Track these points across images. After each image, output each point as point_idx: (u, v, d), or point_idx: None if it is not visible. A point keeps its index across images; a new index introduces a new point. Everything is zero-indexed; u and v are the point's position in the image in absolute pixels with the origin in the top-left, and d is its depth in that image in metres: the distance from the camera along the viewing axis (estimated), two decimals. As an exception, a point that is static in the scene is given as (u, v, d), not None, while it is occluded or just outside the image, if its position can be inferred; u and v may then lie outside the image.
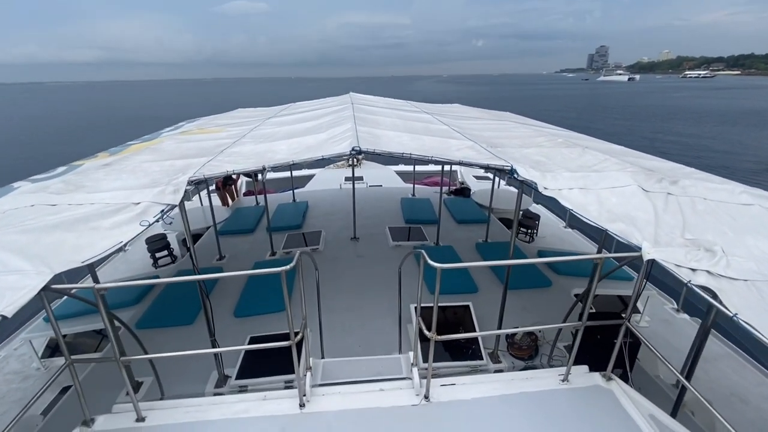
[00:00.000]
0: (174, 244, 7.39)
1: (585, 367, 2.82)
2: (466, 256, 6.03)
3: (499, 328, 3.87)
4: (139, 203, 2.78)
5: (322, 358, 3.67)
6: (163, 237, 7.39)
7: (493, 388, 2.63)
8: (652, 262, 2.28)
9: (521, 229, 8.56)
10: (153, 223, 2.69)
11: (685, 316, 5.23)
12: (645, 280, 2.47)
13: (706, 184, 3.33)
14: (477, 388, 2.64)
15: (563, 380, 2.70)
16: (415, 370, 2.62)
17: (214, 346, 3.54)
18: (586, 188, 3.08)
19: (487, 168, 3.30)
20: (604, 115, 42.16)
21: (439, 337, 2.33)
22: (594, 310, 4.23)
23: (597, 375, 2.76)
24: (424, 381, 2.56)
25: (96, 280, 3.59)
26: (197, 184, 3.09)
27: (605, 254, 2.27)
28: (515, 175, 3.14)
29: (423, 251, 2.36)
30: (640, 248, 2.33)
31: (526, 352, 4.08)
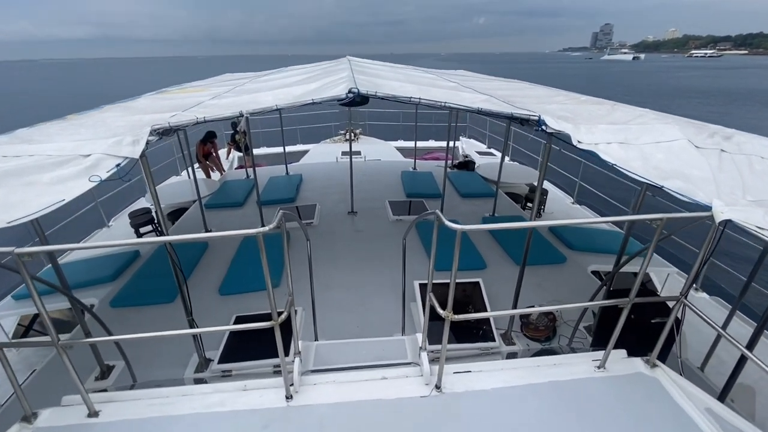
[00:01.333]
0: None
1: (622, 352, 2.40)
2: (472, 232, 5.58)
3: (515, 306, 3.46)
4: (89, 155, 2.28)
5: (316, 340, 3.26)
6: (147, 211, 6.95)
7: (517, 376, 2.21)
8: (726, 225, 1.82)
9: (528, 204, 8.11)
10: (107, 180, 2.21)
11: (704, 295, 4.86)
12: (713, 248, 2.01)
13: (761, 141, 2.85)
14: (497, 376, 2.22)
15: (599, 367, 2.28)
16: (424, 354, 2.20)
17: (191, 327, 3.11)
18: (626, 143, 2.59)
19: (510, 118, 2.80)
20: (609, 94, 40.90)
21: (456, 316, 1.89)
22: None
23: (638, 361, 2.34)
24: (435, 368, 2.14)
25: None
26: (162, 134, 2.58)
27: (670, 214, 1.81)
28: (543, 127, 2.64)
29: (438, 211, 1.89)
30: (710, 207, 1.86)
31: (543, 333, 3.68)
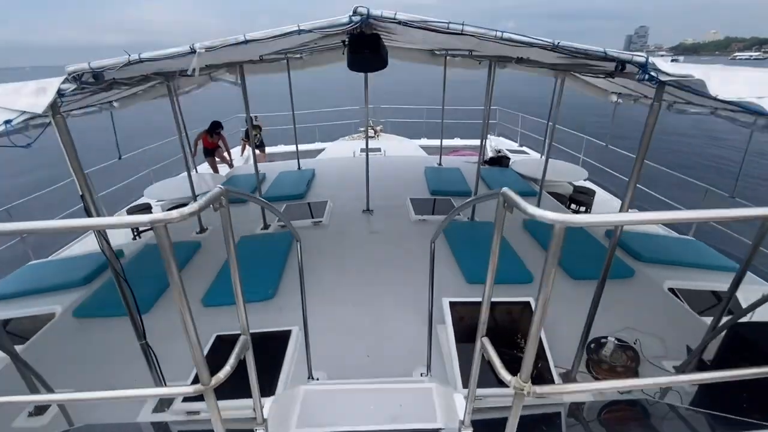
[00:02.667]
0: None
1: None
2: (511, 235, 4.61)
3: (586, 338, 2.51)
4: (-34, 108, 1.55)
5: (309, 377, 2.43)
6: (147, 207, 6.43)
7: None
8: None
9: (572, 205, 7.04)
10: None
11: None
12: None
13: None
14: None
15: None
16: None
17: (144, 351, 2.36)
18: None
19: (604, 59, 1.91)
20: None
21: (537, 388, 1.00)
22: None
23: None
24: None
25: None
26: (84, 83, 1.81)
27: None
28: (653, 73, 1.72)
29: (507, 189, 1.03)
30: None
31: (620, 376, 2.69)
